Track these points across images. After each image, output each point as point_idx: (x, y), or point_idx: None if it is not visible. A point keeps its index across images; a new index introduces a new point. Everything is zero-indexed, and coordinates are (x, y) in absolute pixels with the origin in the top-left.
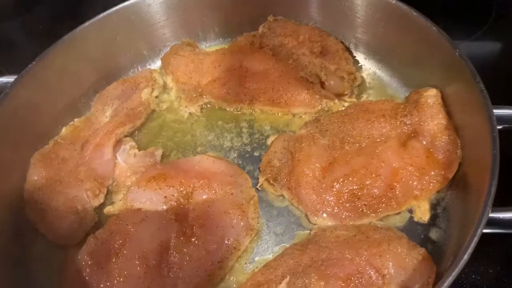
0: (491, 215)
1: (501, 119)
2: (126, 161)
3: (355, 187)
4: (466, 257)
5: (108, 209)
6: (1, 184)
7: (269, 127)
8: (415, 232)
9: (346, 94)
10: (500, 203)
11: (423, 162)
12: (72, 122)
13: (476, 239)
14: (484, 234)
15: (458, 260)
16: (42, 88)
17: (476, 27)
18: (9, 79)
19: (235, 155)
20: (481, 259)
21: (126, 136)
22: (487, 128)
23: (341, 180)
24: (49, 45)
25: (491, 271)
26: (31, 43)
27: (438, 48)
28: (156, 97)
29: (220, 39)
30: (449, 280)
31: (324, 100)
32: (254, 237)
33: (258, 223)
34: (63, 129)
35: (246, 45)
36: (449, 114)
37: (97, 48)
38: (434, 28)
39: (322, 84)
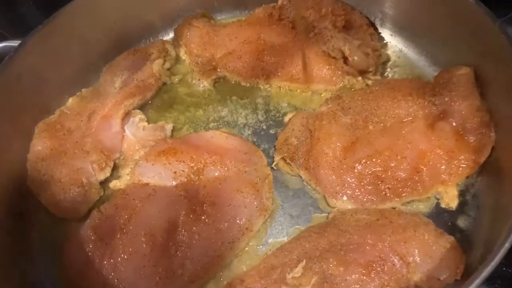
0: None
1: None
2: (135, 134)
3: (378, 169)
4: (503, 251)
5: (114, 183)
6: (3, 154)
7: (286, 104)
8: (442, 219)
9: (370, 72)
10: None
11: (452, 145)
12: (79, 93)
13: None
14: None
15: (494, 254)
16: (48, 54)
17: None
18: (12, 43)
19: (250, 132)
20: None
21: (135, 108)
22: None
23: (363, 161)
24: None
25: None
26: (38, 9)
27: (474, 22)
28: (168, 69)
29: (237, 11)
30: (483, 275)
31: (347, 77)
32: (268, 218)
33: (272, 203)
34: (70, 99)
35: (265, 17)
36: (482, 95)
37: (108, 15)
38: (471, 0)
39: (345, 60)
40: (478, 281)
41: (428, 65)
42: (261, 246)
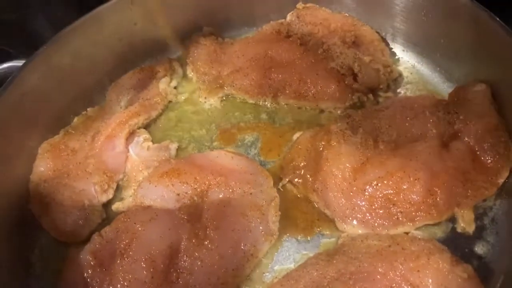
0: None
1: None
2: (139, 154)
3: (390, 191)
4: None
5: (117, 206)
6: (6, 175)
7: (291, 120)
8: (458, 245)
9: (381, 89)
10: None
11: (468, 166)
12: (84, 112)
13: None
14: None
15: None
16: (53, 73)
17: None
18: (17, 63)
19: (256, 151)
20: None
21: (140, 127)
22: None
23: (374, 183)
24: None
25: None
26: (45, 26)
27: (490, 37)
28: (175, 87)
29: (245, 28)
30: None
31: (357, 94)
32: (274, 243)
33: (279, 227)
34: (75, 119)
35: (272, 33)
36: (499, 113)
37: (114, 33)
38: (485, 13)
39: (354, 77)
40: None
41: (442, 81)
42: (267, 273)
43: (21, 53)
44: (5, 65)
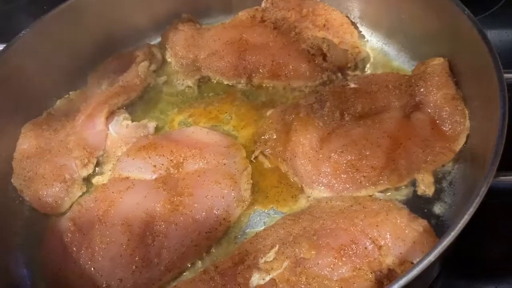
0: (496, 179)
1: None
2: (118, 132)
3: (353, 157)
4: (467, 216)
5: (97, 179)
6: None
7: (265, 99)
8: (418, 206)
9: (350, 68)
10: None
11: (428, 134)
12: (67, 95)
13: (479, 199)
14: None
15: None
16: (35, 58)
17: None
18: None
19: (230, 127)
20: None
21: (120, 108)
22: (497, 91)
23: (339, 150)
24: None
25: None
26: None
27: (447, 14)
28: (154, 71)
29: (223, 15)
30: (448, 239)
31: (326, 73)
32: (246, 209)
33: (250, 195)
34: (58, 102)
35: (248, 19)
36: (457, 84)
37: (95, 20)
38: None
39: (324, 57)
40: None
41: (408, 60)
42: (239, 236)
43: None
44: None
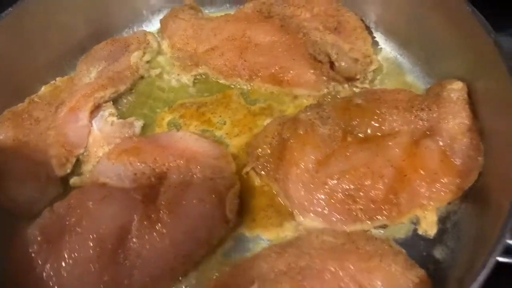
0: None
1: None
2: (102, 129)
3: (351, 186)
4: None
5: (74, 181)
6: None
7: (263, 105)
8: (417, 248)
9: (358, 79)
10: None
11: (436, 166)
12: (53, 81)
13: (488, 267)
14: (500, 264)
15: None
16: (20, 39)
17: None
18: None
19: (223, 133)
20: None
21: (107, 101)
22: None
23: (336, 176)
24: None
25: None
26: None
27: (471, 34)
28: (148, 62)
29: (228, 4)
30: None
31: (332, 83)
32: (230, 231)
33: (236, 216)
34: (42, 88)
35: (254, 12)
36: (474, 113)
37: None
38: (469, 9)
39: (331, 65)
40: None
41: (423, 76)
42: (220, 260)
43: None
44: None
